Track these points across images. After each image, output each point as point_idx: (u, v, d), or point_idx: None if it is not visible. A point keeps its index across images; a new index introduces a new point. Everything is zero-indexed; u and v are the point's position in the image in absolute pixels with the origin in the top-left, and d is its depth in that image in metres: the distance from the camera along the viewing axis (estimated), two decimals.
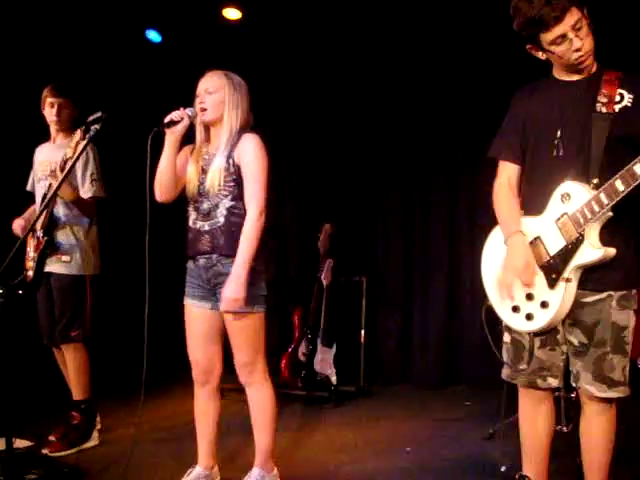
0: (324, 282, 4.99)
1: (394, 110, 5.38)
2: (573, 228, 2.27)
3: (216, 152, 2.90)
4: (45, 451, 3.57)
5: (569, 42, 2.21)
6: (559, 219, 2.32)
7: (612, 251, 2.25)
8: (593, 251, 2.24)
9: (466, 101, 5.00)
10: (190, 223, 2.96)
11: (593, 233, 2.25)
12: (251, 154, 2.85)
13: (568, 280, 2.29)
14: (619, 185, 2.14)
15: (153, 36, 5.60)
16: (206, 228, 2.89)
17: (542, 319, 2.35)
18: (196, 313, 2.96)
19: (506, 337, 2.52)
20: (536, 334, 2.40)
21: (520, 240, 2.39)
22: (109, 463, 3.31)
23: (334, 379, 4.87)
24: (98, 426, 3.89)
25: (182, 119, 2.85)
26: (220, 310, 2.88)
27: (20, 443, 3.66)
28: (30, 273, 3.68)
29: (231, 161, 2.85)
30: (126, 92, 5.82)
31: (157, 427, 4.07)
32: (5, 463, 2.85)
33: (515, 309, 2.42)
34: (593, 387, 2.35)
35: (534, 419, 2.55)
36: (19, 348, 3.28)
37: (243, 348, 2.89)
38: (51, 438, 3.67)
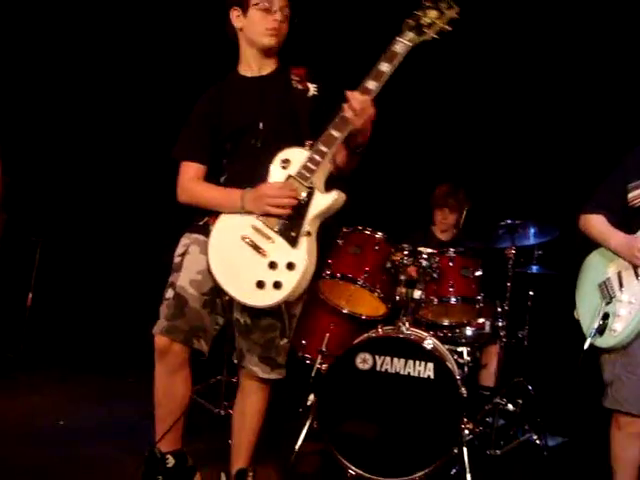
0: None
1: None
2: (301, 184, 2.35)
3: None
4: None
5: (273, 12, 2.46)
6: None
7: (343, 195, 2.39)
8: (325, 197, 2.37)
9: None
10: None
11: (320, 183, 2.39)
12: None
13: (308, 234, 2.36)
14: (334, 132, 2.32)
15: None
16: None
17: (292, 280, 2.33)
18: None
19: (169, 293, 2.44)
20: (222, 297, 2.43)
21: (252, 189, 2.40)
22: None
23: None
24: None
25: None
26: None
27: None
28: None
29: None
30: None
31: None
32: None
33: (260, 285, 2.35)
34: (258, 368, 2.51)
35: (172, 385, 2.45)
36: None
37: None
38: None
